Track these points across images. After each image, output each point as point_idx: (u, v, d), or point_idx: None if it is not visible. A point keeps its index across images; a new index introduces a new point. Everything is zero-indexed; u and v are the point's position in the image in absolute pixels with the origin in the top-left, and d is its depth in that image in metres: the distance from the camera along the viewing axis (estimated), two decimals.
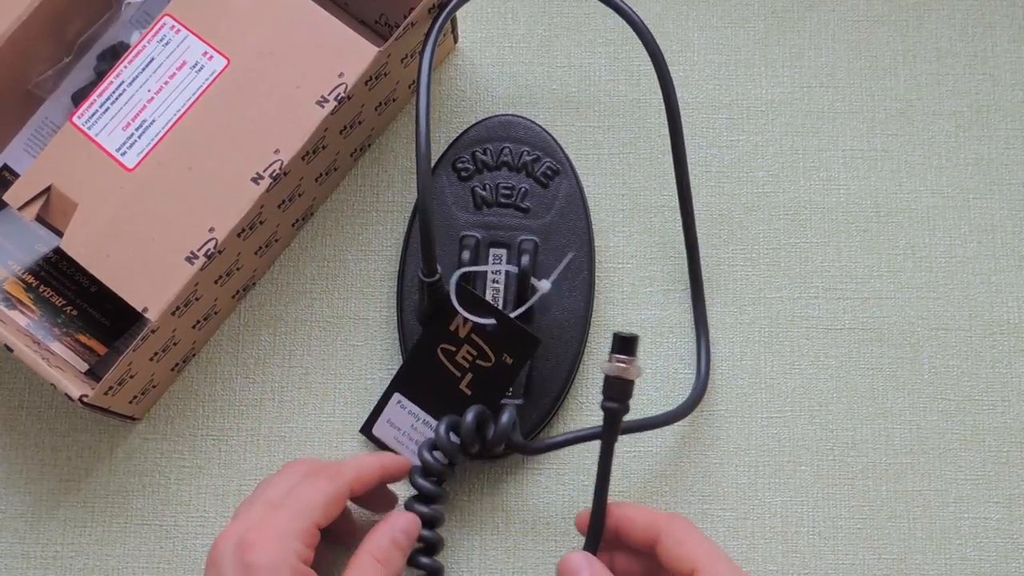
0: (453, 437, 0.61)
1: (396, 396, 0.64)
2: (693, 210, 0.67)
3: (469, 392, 0.63)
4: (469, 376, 0.63)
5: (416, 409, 0.64)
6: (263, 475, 0.65)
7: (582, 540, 0.58)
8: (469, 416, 0.61)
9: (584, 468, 0.65)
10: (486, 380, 0.63)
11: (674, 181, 0.68)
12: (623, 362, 0.56)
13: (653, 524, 0.55)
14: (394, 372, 0.66)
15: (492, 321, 0.62)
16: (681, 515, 0.57)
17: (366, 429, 0.65)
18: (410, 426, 0.64)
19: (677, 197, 0.67)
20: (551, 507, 0.65)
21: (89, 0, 0.66)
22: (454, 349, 0.63)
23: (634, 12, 0.64)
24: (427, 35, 0.62)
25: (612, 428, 0.57)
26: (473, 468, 0.65)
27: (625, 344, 0.56)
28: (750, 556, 0.64)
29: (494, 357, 0.63)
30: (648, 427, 0.62)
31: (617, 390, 0.56)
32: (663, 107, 0.70)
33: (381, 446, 0.65)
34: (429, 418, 0.64)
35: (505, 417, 0.61)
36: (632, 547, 0.57)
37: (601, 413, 0.57)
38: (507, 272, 0.65)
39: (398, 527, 0.56)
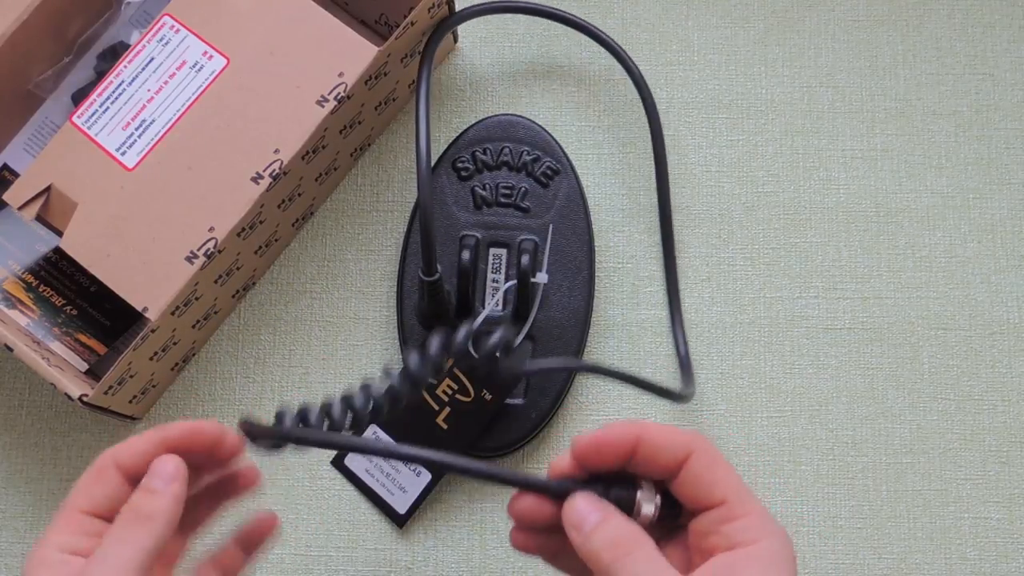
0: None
1: (371, 427, 0.65)
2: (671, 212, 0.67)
3: (445, 426, 0.63)
4: (447, 410, 0.63)
5: (390, 441, 0.64)
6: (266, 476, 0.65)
7: None
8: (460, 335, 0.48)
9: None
10: (464, 415, 0.63)
11: (674, 180, 0.68)
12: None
13: (683, 444, 0.45)
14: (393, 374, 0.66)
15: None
16: (706, 437, 0.47)
17: (337, 460, 0.65)
18: (383, 458, 0.64)
19: (656, 199, 0.67)
20: None
21: (89, 0, 0.66)
22: (435, 382, 0.63)
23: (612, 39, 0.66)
24: (426, 47, 0.62)
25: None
26: None
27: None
28: None
29: (473, 392, 0.63)
30: (648, 389, 0.57)
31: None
32: (663, 108, 0.70)
33: (351, 478, 0.65)
34: None
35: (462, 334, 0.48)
36: (649, 472, 0.46)
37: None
38: (507, 272, 0.65)
39: (156, 474, 0.46)
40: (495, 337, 0.50)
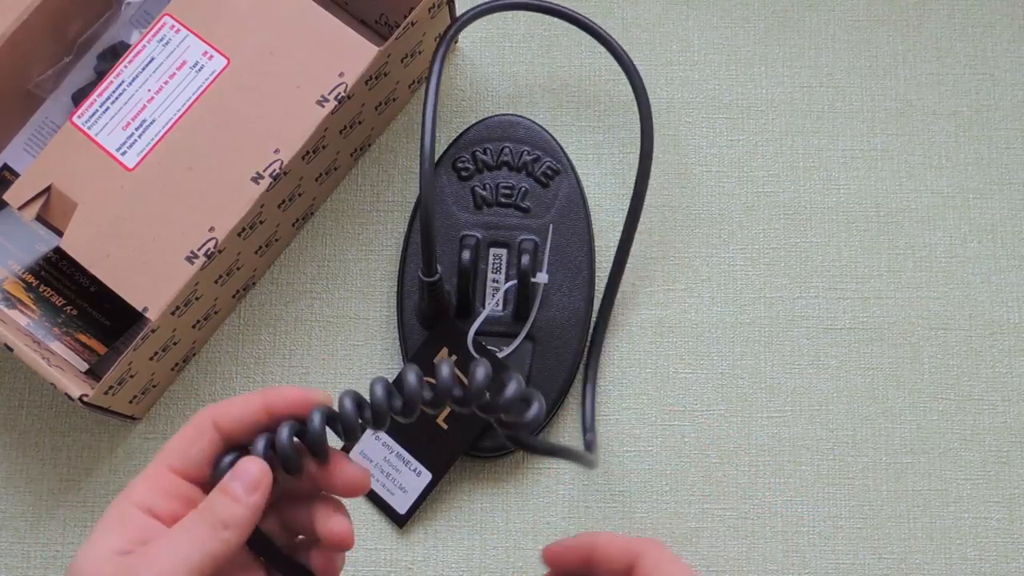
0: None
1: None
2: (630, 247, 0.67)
3: (446, 426, 0.63)
4: (447, 410, 0.63)
5: (390, 441, 0.64)
6: None
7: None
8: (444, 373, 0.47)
9: (584, 468, 0.65)
10: (464, 416, 0.63)
11: (674, 180, 0.68)
12: None
13: (630, 552, 0.50)
14: (394, 374, 0.66)
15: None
16: (659, 540, 0.52)
17: None
18: (383, 458, 0.64)
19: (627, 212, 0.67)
20: (551, 507, 0.65)
21: (89, 0, 0.66)
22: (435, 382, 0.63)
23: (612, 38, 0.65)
24: (436, 49, 0.62)
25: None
26: (474, 468, 0.65)
27: None
28: (750, 556, 0.64)
29: None
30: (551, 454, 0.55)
31: None
32: (664, 107, 0.70)
33: None
34: (403, 451, 0.64)
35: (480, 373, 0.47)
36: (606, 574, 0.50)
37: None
38: (507, 272, 0.65)
39: (239, 477, 0.45)
40: (531, 412, 0.48)
